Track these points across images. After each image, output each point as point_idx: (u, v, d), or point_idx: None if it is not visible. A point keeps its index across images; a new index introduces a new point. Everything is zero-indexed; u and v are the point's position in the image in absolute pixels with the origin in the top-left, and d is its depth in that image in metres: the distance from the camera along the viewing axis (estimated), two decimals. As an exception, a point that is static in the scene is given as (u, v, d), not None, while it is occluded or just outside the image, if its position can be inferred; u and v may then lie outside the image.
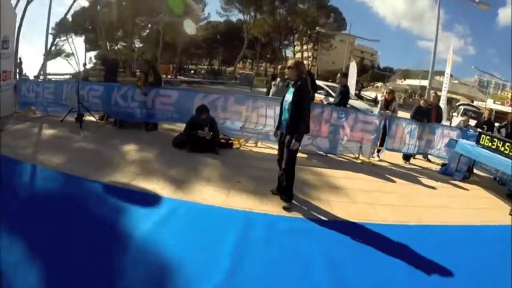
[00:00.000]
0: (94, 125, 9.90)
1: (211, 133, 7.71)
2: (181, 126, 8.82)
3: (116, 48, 46.31)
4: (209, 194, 5.32)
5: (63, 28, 43.94)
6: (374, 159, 8.93)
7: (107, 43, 44.33)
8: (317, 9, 58.08)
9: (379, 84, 68.74)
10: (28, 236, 3.76)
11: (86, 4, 42.29)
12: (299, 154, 6.27)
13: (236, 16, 57.98)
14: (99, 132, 9.27)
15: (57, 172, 5.91)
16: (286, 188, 5.03)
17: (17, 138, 8.24)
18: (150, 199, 4.99)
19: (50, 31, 46.81)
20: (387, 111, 9.36)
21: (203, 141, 7.66)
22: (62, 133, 8.88)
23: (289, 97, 4.86)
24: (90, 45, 49.49)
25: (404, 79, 68.67)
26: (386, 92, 10.37)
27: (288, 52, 66.55)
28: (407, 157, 9.48)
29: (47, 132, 9.07)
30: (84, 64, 45.18)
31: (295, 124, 4.76)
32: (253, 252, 3.85)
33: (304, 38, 64.22)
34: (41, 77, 27.32)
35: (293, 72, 4.82)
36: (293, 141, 4.74)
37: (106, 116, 10.27)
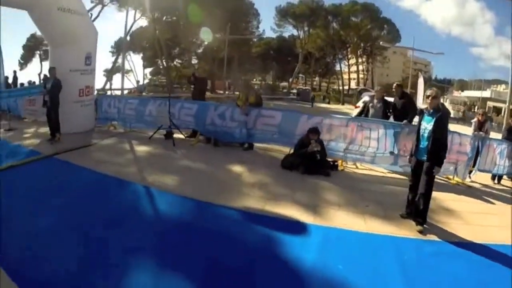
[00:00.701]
0: (185, 143, 9.79)
1: (320, 147, 7.47)
2: (277, 147, 8.91)
3: (172, 64, 47.17)
4: (346, 219, 5.17)
5: (121, 46, 45.45)
6: (467, 180, 8.41)
7: (164, 60, 45.35)
8: (370, 22, 56.87)
9: (436, 96, 66.12)
10: (178, 273, 3.61)
11: (145, 24, 43.79)
12: (399, 176, 7.36)
13: (289, 31, 57.86)
14: (195, 151, 9.13)
15: (178, 196, 5.71)
16: (422, 212, 4.99)
17: (111, 154, 8.38)
18: (296, 226, 4.82)
19: (109, 49, 49.30)
20: (481, 133, 9.09)
21: (315, 162, 7.42)
22: (158, 151, 8.84)
23: (427, 125, 5.01)
24: (147, 62, 51.13)
25: (462, 91, 65.55)
26: (480, 114, 9.75)
27: (341, 66, 65.43)
28: (496, 177, 9.08)
29: (141, 149, 9.06)
30: (138, 81, 47.34)
31: (437, 152, 4.91)
32: (420, 277, 3.77)
33: (358, 52, 63.02)
34: (108, 92, 28.20)
35: (435, 102, 4.99)
36: (436, 167, 4.89)
37: (198, 134, 10.01)
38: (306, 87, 54.27)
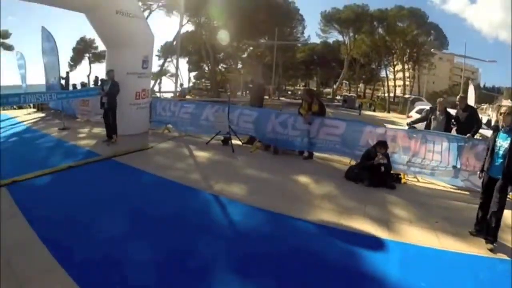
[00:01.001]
0: (243, 150, 9.48)
1: (386, 159, 7.06)
2: (336, 157, 8.59)
3: (217, 69, 47.54)
4: (420, 235, 4.93)
5: (168, 50, 46.30)
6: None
7: (209, 64, 45.77)
8: (417, 27, 55.08)
9: (484, 106, 62.81)
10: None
11: (191, 28, 44.35)
12: (460, 191, 7.09)
13: (335, 37, 56.89)
14: (256, 158, 8.77)
15: (249, 206, 5.47)
16: (493, 230, 4.80)
17: (171, 158, 8.28)
18: (373, 242, 4.64)
19: (156, 53, 50.40)
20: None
21: (380, 174, 7.01)
22: (218, 157, 8.58)
23: (502, 142, 4.83)
24: (192, 66, 51.87)
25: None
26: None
27: (387, 73, 63.69)
28: None
29: (200, 154, 8.84)
30: (181, 84, 48.06)
31: None
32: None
33: (404, 58, 61.19)
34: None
35: (509, 118, 4.80)
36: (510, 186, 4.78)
37: (256, 140, 9.73)
38: (352, 94, 52.93)
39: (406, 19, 54.93)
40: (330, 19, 52.83)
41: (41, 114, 17.97)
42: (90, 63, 43.47)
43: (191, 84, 53.96)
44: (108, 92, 9.29)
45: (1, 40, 41.19)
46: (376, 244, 4.54)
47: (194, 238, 4.37)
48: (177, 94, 36.62)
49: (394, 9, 54.43)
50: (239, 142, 9.86)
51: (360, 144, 8.02)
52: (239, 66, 51.26)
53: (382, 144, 7.18)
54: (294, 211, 5.32)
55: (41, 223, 4.52)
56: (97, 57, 44.17)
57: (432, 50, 49.96)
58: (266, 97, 45.53)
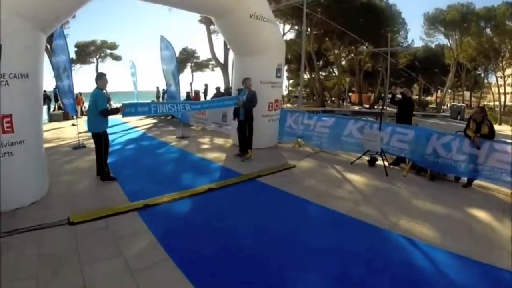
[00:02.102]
0: (394, 173, 7.93)
1: None
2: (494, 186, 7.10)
3: (317, 76, 45.95)
4: None
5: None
6: None
7: (312, 72, 44.49)
8: (533, 25, 48.26)
9: None
10: None
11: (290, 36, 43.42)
12: None
13: (440, 40, 51.86)
14: (415, 185, 7.17)
15: (450, 253, 4.17)
16: None
17: (322, 181, 7.09)
18: None
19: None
20: None
21: None
22: (375, 183, 7.14)
23: None
24: (291, 75, 50.91)
25: None
26: None
27: (497, 79, 56.85)
28: None
29: (352, 177, 7.47)
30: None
31: None
32: None
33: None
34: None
35: None
36: None
37: (410, 163, 8.20)
38: (462, 104, 47.63)
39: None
40: (434, 21, 48.29)
41: (153, 120, 17.91)
42: (192, 72, 44.39)
43: (286, 92, 52.86)
44: (245, 103, 8.32)
45: (110, 51, 43.38)
46: None
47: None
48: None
49: (502, 6, 47.84)
50: (382, 162, 8.32)
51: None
52: (336, 73, 49.23)
53: None
54: (495, 259, 4.08)
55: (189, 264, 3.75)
56: (198, 66, 45.00)
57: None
58: (367, 105, 43.41)
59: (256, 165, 7.96)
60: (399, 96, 9.28)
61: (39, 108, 5.92)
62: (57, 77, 11.82)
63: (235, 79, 10.16)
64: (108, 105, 7.53)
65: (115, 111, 6.73)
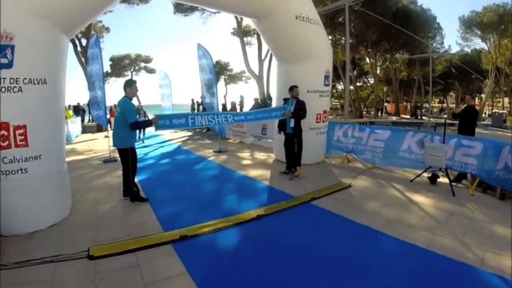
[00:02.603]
0: (459, 191, 6.71)
1: None
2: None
3: (352, 86, 44.43)
4: None
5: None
6: None
7: (341, 82, 43.17)
8: None
9: None
10: None
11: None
12: None
13: (477, 44, 48.86)
14: (487, 206, 5.94)
15: None
16: None
17: (385, 204, 5.95)
18: None
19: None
20: None
21: None
22: (444, 205, 5.97)
23: None
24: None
25: None
26: None
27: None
28: None
29: (417, 198, 6.32)
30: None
31: None
32: None
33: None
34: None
35: None
36: None
37: (476, 180, 7.01)
38: (503, 111, 44.72)
39: None
40: (470, 24, 45.70)
41: (188, 133, 17.29)
42: (226, 84, 43.93)
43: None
44: (294, 113, 7.38)
45: (144, 65, 43.47)
46: None
47: None
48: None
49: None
50: (445, 180, 7.27)
51: None
52: (371, 82, 47.51)
53: None
54: None
55: None
56: (232, 79, 44.52)
57: None
58: (407, 116, 41.59)
59: (307, 185, 6.90)
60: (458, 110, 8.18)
61: (59, 119, 5.15)
62: (90, 87, 11.34)
63: (278, 88, 9.15)
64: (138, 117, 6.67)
65: (147, 124, 5.90)
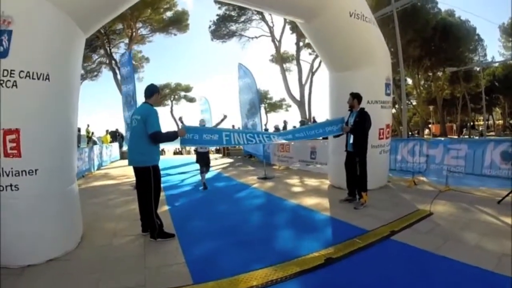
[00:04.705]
0: None
1: None
2: None
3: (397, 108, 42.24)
4: None
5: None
6: None
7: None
8: None
9: None
10: None
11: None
12: None
13: None
14: None
15: None
16: None
17: (481, 235, 4.28)
18: None
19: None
20: None
21: None
22: None
23: None
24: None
25: None
26: None
27: None
28: None
29: None
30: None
31: None
32: None
33: None
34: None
35: None
36: None
37: None
38: None
39: None
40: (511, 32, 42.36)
41: (229, 160, 16.12)
42: (266, 113, 43.07)
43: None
44: (354, 127, 5.90)
45: (184, 93, 43.36)
46: None
47: None
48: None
49: None
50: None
51: None
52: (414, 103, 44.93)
53: None
54: None
55: None
56: (272, 107, 43.67)
57: None
58: (455, 136, 38.91)
59: (378, 215, 5.28)
60: None
61: (68, 127, 4.04)
62: (124, 107, 10.56)
63: (331, 103, 7.71)
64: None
65: (172, 135, 4.44)
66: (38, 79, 3.43)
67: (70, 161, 4.10)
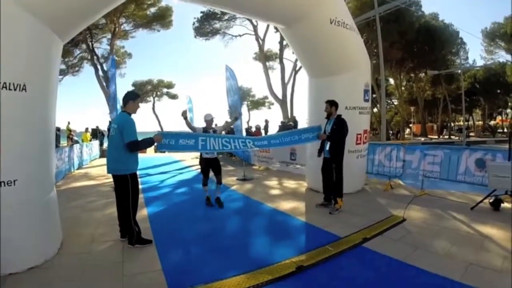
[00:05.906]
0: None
1: None
2: None
3: (378, 108, 42.72)
4: None
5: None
6: None
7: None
8: None
9: None
10: None
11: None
12: None
13: (502, 57, 45.83)
14: None
15: None
16: None
17: (454, 244, 4.37)
18: None
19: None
20: None
21: None
22: None
23: None
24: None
25: None
26: None
27: None
28: None
29: (488, 231, 4.88)
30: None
31: None
32: None
33: None
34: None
35: None
36: None
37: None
38: None
39: None
40: (493, 36, 43.15)
41: (210, 159, 16.06)
42: (248, 110, 42.83)
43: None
44: (331, 135, 6.01)
45: (166, 90, 42.94)
46: None
47: None
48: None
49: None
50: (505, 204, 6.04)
51: None
52: (395, 103, 45.50)
53: None
54: None
55: None
56: (255, 105, 43.40)
57: None
58: (435, 136, 39.61)
59: (352, 220, 5.43)
60: None
61: (46, 137, 4.02)
62: (111, 109, 10.64)
63: (310, 109, 7.86)
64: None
65: (148, 142, 4.52)
66: (15, 90, 3.42)
67: (48, 169, 4.12)
